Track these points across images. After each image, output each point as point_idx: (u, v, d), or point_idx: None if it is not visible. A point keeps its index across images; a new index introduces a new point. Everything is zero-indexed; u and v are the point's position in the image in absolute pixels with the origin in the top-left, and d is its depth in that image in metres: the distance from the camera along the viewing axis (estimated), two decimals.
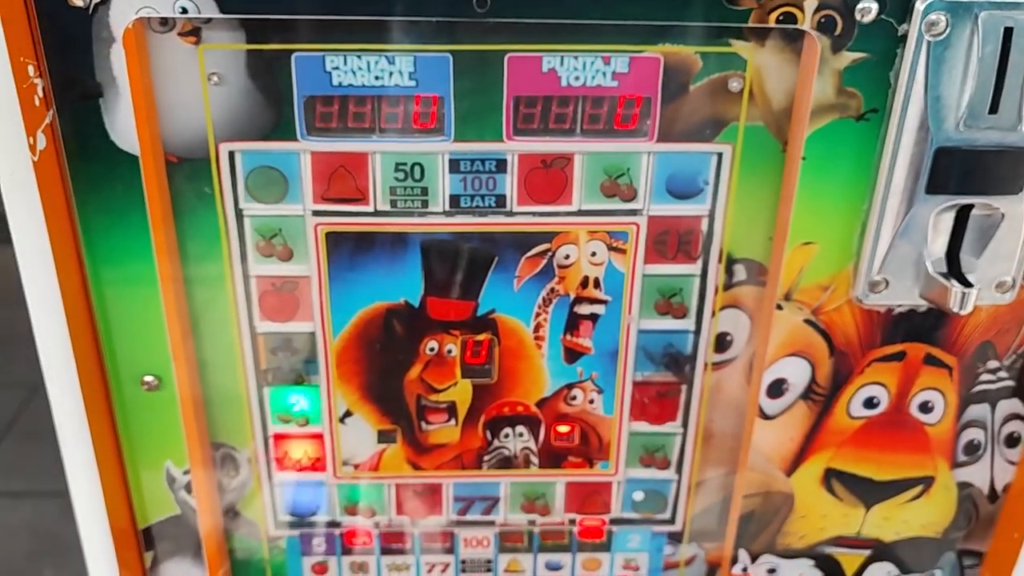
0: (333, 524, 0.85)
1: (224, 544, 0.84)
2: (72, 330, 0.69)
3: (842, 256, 0.70)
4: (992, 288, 0.70)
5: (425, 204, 0.70)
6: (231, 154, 0.68)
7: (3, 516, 1.72)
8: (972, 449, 0.80)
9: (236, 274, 0.73)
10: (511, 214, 0.71)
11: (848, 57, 0.63)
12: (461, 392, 0.78)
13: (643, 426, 0.81)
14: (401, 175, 0.69)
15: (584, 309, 0.75)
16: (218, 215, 0.70)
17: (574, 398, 0.79)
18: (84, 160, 0.65)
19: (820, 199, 0.68)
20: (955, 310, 0.67)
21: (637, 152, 0.69)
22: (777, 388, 0.76)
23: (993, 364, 0.76)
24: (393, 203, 0.70)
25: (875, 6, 0.61)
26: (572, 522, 0.86)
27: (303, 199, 0.70)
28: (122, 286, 0.70)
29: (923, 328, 0.74)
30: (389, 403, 0.79)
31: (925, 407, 0.78)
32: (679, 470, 0.83)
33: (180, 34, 0.64)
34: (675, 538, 0.87)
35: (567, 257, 0.73)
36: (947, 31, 0.61)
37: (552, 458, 0.82)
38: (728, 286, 0.74)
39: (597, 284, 0.74)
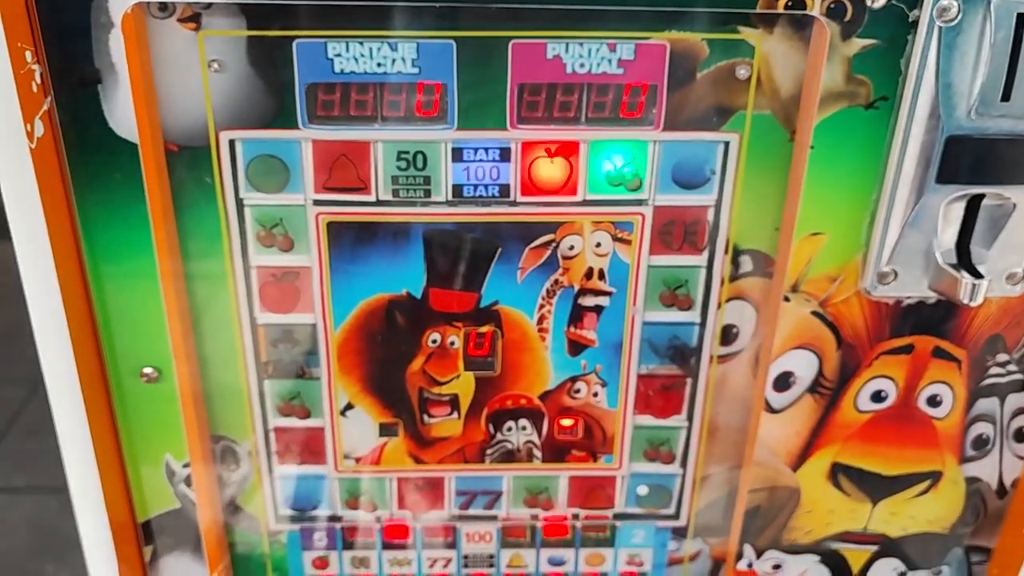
0: (334, 518, 0.84)
1: (224, 538, 0.84)
2: (70, 320, 0.68)
3: (850, 247, 0.69)
4: (1003, 280, 0.70)
5: (428, 194, 0.69)
6: (231, 142, 0.67)
7: (4, 512, 1.71)
8: (981, 444, 0.80)
9: (236, 265, 0.72)
10: (515, 204, 0.70)
11: (858, 44, 0.62)
12: (464, 385, 0.78)
13: (647, 420, 0.80)
14: (403, 164, 0.68)
15: (588, 301, 0.74)
16: (218, 205, 0.69)
17: (578, 391, 0.78)
18: (82, 148, 0.64)
19: (828, 189, 0.67)
20: (965, 302, 0.66)
21: (643, 141, 0.68)
22: (784, 381, 0.75)
23: (1003, 357, 0.75)
24: (395, 192, 0.69)
25: None
26: (575, 517, 0.85)
27: (304, 188, 0.69)
28: (121, 277, 0.69)
29: (932, 320, 0.73)
30: (391, 396, 0.78)
31: (933, 401, 0.77)
32: (684, 464, 0.82)
33: (180, 20, 0.63)
34: (679, 533, 0.86)
35: (571, 248, 0.72)
36: (959, 17, 0.60)
37: (555, 452, 0.81)
38: (734, 277, 0.74)
39: (601, 275, 0.73)
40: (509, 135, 0.68)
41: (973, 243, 0.68)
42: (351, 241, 0.71)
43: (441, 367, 0.77)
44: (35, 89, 0.61)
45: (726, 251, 0.72)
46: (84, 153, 0.65)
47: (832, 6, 0.61)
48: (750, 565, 0.85)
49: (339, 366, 0.76)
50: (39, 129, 0.62)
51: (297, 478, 0.82)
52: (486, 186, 0.69)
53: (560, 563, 0.88)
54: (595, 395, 0.79)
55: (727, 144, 0.68)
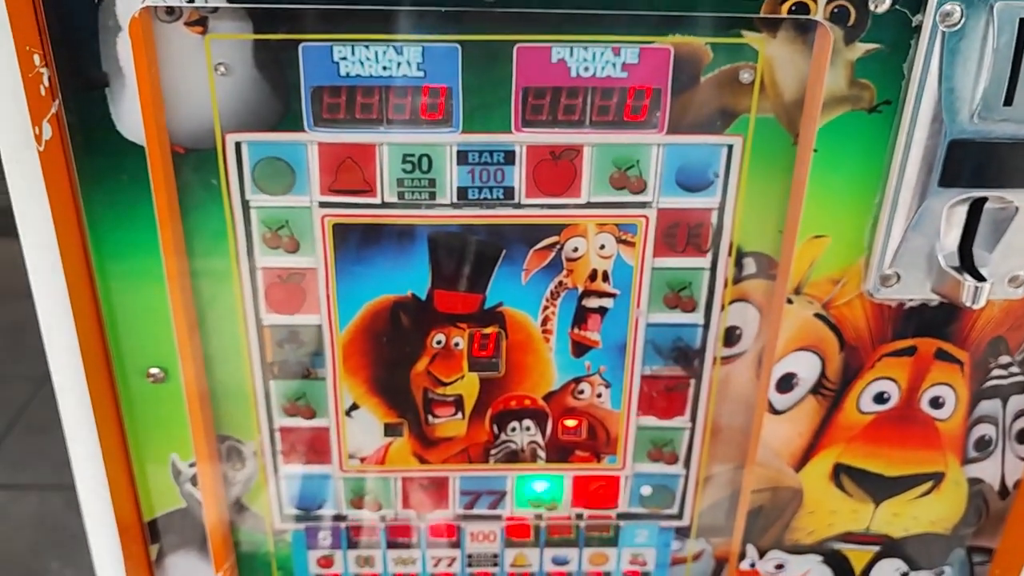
0: (339, 518, 0.85)
1: (229, 537, 0.84)
2: (78, 321, 0.68)
3: (853, 250, 0.69)
4: (1005, 282, 0.70)
5: (433, 196, 0.70)
6: (238, 145, 0.68)
7: (10, 509, 1.72)
8: (983, 445, 0.80)
9: (242, 266, 0.72)
10: (519, 206, 0.70)
11: (861, 48, 0.62)
12: (468, 385, 0.78)
13: (651, 420, 0.80)
14: (409, 167, 0.69)
15: (592, 302, 0.75)
16: (224, 207, 0.70)
17: (582, 392, 0.79)
18: (90, 150, 0.65)
19: (831, 192, 0.67)
20: (967, 304, 0.67)
21: (647, 144, 0.68)
22: (786, 383, 0.75)
23: (1005, 359, 0.76)
24: (400, 195, 0.70)
25: None
26: (579, 517, 0.86)
27: (310, 191, 0.69)
28: (128, 278, 0.69)
29: (934, 323, 0.73)
30: (396, 396, 0.78)
31: (936, 402, 0.77)
32: (687, 465, 0.83)
33: (187, 24, 0.63)
34: (683, 533, 0.86)
35: (575, 250, 0.72)
36: (962, 22, 0.60)
37: (559, 452, 0.82)
38: (738, 280, 0.74)
39: (606, 277, 0.74)
40: (514, 138, 0.68)
41: (976, 246, 0.68)
42: (356, 243, 0.71)
43: (446, 368, 0.77)
44: (43, 92, 0.62)
45: (730, 253, 0.73)
46: (92, 155, 0.65)
47: (835, 11, 0.61)
48: (753, 565, 0.85)
49: (344, 367, 0.77)
50: (47, 132, 0.63)
51: (302, 478, 0.82)
52: (491, 188, 0.70)
53: (564, 563, 0.88)
54: (599, 396, 0.79)
55: (730, 147, 0.69)
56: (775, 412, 0.76)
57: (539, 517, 0.85)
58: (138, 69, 0.62)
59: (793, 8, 0.61)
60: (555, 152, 0.69)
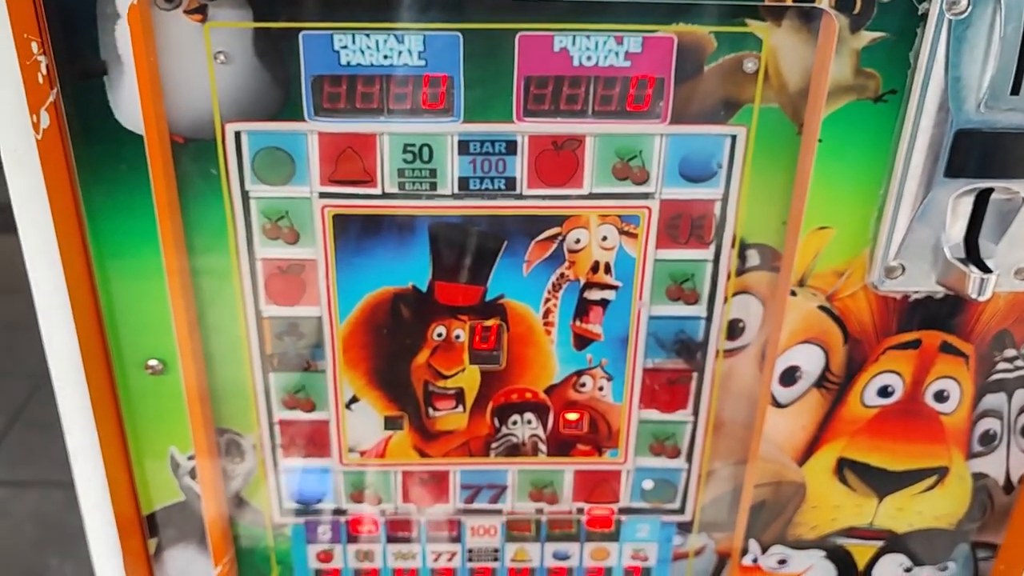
0: (339, 512, 0.84)
1: (229, 531, 0.84)
2: (76, 312, 0.68)
3: (858, 241, 0.69)
4: (1011, 274, 0.69)
5: (433, 186, 0.69)
6: (237, 135, 0.67)
7: (9, 506, 1.72)
8: (988, 439, 0.79)
9: (242, 257, 0.72)
10: (521, 197, 0.70)
11: (866, 37, 0.61)
12: (469, 378, 0.77)
13: (653, 414, 0.80)
14: (409, 157, 0.68)
15: (594, 295, 0.74)
16: (224, 197, 0.69)
17: (583, 385, 0.78)
18: (88, 139, 0.64)
19: (836, 183, 0.67)
20: (973, 296, 0.66)
21: (649, 134, 0.68)
22: (790, 376, 0.75)
23: (1010, 352, 0.75)
24: (401, 185, 0.69)
25: None
26: (580, 511, 0.85)
27: (310, 181, 0.69)
28: (126, 268, 0.69)
29: (939, 315, 0.72)
30: (396, 389, 0.78)
31: (940, 396, 0.76)
32: (689, 459, 0.82)
33: (186, 11, 0.63)
34: (685, 528, 0.86)
35: (577, 241, 0.72)
36: (968, 9, 0.59)
37: (561, 446, 0.81)
38: (741, 271, 0.73)
39: (608, 269, 0.73)
40: (515, 128, 0.67)
41: (981, 237, 0.67)
42: (357, 234, 0.71)
43: (446, 360, 0.76)
44: (41, 80, 0.61)
45: (733, 245, 0.72)
46: (90, 144, 0.64)
47: None
48: (755, 560, 0.85)
49: (344, 359, 0.76)
50: (45, 120, 0.62)
51: (302, 471, 0.82)
52: (492, 179, 0.69)
53: (565, 557, 0.88)
54: (601, 389, 0.78)
55: (734, 138, 0.68)
56: (778, 406, 0.76)
57: (540, 512, 0.85)
58: (137, 57, 0.62)
59: None
60: (557, 142, 0.68)
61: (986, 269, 0.66)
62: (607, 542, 0.87)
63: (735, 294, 0.74)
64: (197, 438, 0.75)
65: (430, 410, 0.79)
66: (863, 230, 0.68)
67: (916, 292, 0.71)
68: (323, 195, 0.69)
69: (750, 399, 0.78)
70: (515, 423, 0.80)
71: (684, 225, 0.71)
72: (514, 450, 0.81)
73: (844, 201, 0.67)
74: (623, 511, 0.85)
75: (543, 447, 0.81)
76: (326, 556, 0.86)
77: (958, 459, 0.80)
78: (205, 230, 0.71)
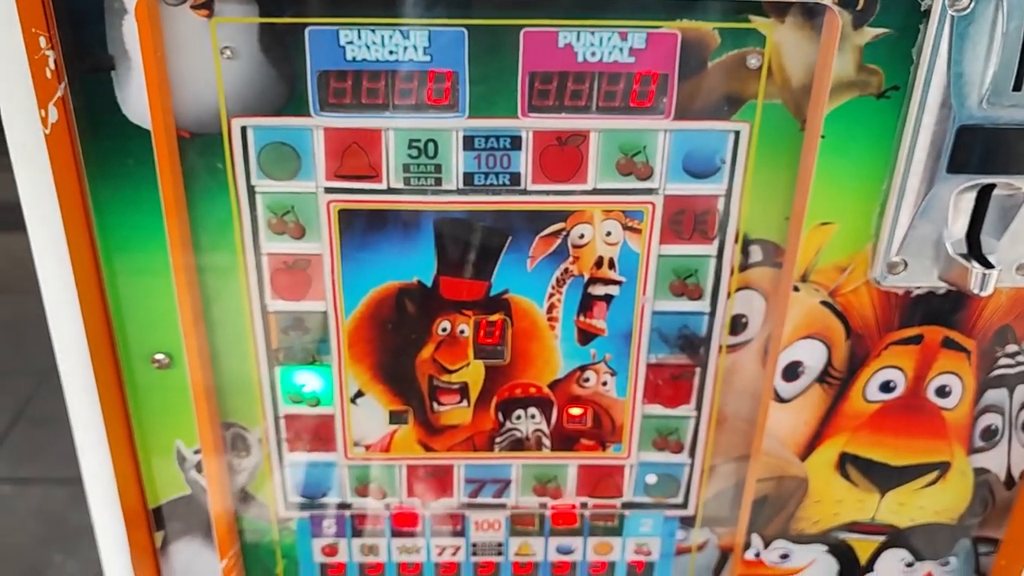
0: (343, 506, 0.85)
1: (234, 525, 0.84)
2: (83, 305, 0.68)
3: (860, 237, 0.69)
4: (1013, 270, 0.70)
5: (438, 182, 0.70)
6: (243, 130, 0.67)
7: (13, 502, 1.72)
8: (989, 434, 0.80)
9: (247, 252, 0.72)
10: (525, 192, 0.70)
11: (870, 33, 0.62)
12: (473, 373, 0.78)
13: (656, 409, 0.80)
14: (414, 152, 0.69)
15: (598, 290, 0.75)
16: (230, 191, 0.70)
17: (587, 380, 0.79)
18: (96, 134, 0.65)
19: (839, 178, 0.67)
20: (975, 292, 0.66)
21: (653, 130, 0.68)
22: (792, 371, 0.75)
23: (1012, 348, 0.75)
24: (406, 180, 0.69)
25: None
26: (584, 505, 0.85)
27: (316, 176, 0.69)
28: (133, 262, 0.69)
29: (941, 311, 0.73)
30: (401, 384, 0.78)
31: (942, 391, 0.77)
32: (692, 454, 0.82)
33: (193, 7, 0.63)
34: (687, 523, 0.86)
35: (582, 237, 0.72)
36: (971, 6, 0.60)
37: (564, 441, 0.82)
38: (744, 267, 0.74)
39: (612, 264, 0.73)
40: (520, 123, 0.68)
41: (983, 233, 0.68)
42: (362, 229, 0.71)
43: (451, 355, 0.77)
44: (49, 75, 0.62)
45: (736, 240, 0.72)
46: (97, 139, 0.65)
47: None
48: (758, 555, 0.85)
49: (349, 354, 0.76)
50: (53, 115, 0.63)
51: (307, 465, 0.82)
52: (497, 174, 0.69)
53: (568, 552, 0.88)
54: (604, 384, 0.79)
55: (737, 133, 0.68)
56: (781, 401, 0.76)
57: (543, 506, 0.85)
58: (144, 52, 0.62)
59: None
60: (561, 138, 0.68)
61: (988, 265, 0.66)
62: (610, 536, 0.87)
63: (738, 289, 0.75)
64: (203, 432, 0.76)
65: (435, 405, 0.79)
66: (865, 226, 0.69)
67: (918, 288, 0.71)
68: (328, 190, 0.70)
69: (753, 394, 0.79)
70: (519, 418, 0.80)
71: (688, 221, 0.72)
72: (518, 445, 0.82)
73: (847, 197, 0.68)
74: (626, 506, 0.85)
75: (547, 442, 0.82)
76: (331, 550, 0.87)
77: (960, 454, 0.80)
78: (211, 225, 0.71)
